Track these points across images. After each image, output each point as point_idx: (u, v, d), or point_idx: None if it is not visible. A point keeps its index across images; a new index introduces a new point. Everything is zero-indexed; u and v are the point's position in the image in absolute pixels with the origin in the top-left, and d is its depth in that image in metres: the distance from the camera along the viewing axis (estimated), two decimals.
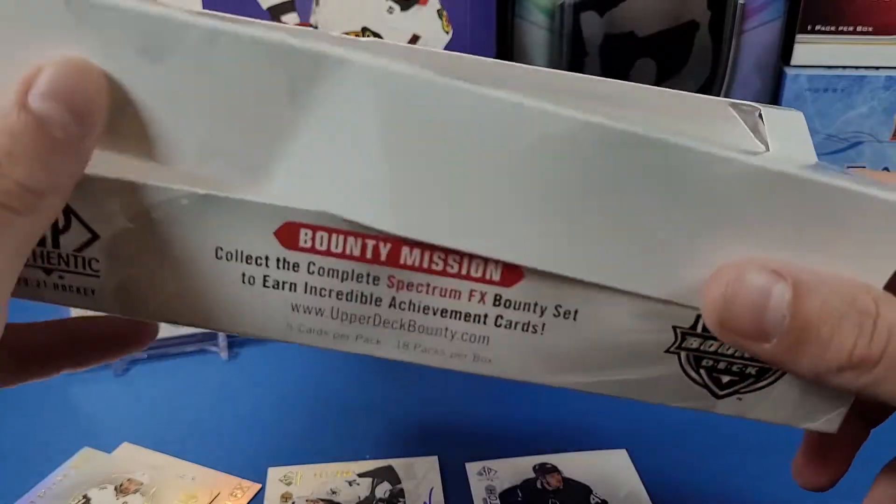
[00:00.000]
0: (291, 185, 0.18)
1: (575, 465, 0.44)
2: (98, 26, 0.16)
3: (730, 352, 0.20)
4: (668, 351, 0.20)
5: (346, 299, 0.19)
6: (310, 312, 0.20)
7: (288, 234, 0.18)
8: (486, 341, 0.20)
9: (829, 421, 0.21)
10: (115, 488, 0.42)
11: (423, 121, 0.17)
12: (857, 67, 0.58)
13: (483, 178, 0.17)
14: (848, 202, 0.17)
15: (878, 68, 0.58)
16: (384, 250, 0.18)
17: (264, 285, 0.19)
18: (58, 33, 0.16)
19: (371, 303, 0.19)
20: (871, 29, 0.57)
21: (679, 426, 0.48)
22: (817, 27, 0.57)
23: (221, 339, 0.54)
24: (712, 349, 0.20)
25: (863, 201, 0.17)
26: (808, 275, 0.17)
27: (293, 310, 0.20)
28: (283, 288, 0.19)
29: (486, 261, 0.18)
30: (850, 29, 0.57)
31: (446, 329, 0.20)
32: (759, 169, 0.17)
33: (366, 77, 0.17)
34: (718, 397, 0.21)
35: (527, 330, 0.19)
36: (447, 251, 0.18)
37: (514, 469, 0.44)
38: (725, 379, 0.20)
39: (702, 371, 0.20)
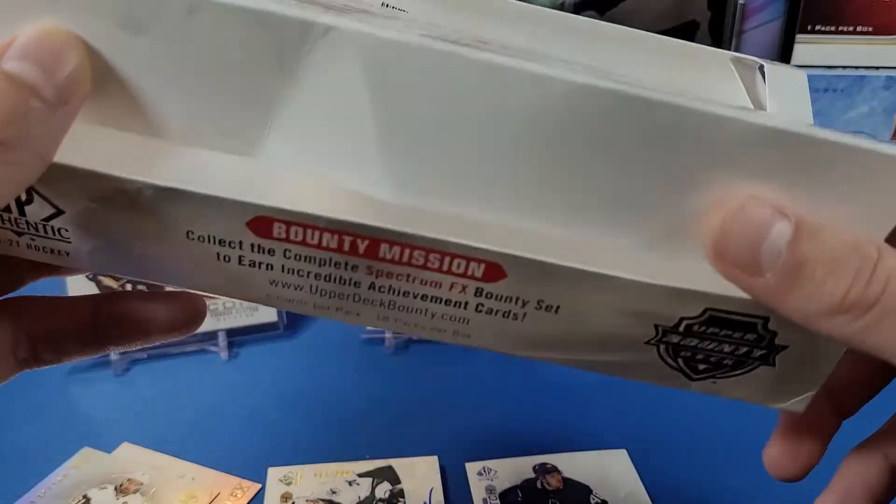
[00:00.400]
0: (282, 152, 0.18)
1: (575, 465, 0.44)
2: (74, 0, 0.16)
3: (710, 347, 0.20)
4: (647, 342, 0.20)
5: (325, 280, 0.19)
6: (288, 287, 0.19)
7: (261, 226, 0.18)
8: (466, 322, 0.20)
9: (797, 402, 0.21)
10: (115, 488, 0.42)
11: (413, 87, 0.17)
12: (857, 67, 0.58)
13: (475, 142, 0.17)
14: (848, 157, 0.17)
15: (878, 68, 0.58)
16: (362, 245, 0.18)
17: (240, 264, 0.19)
18: (32, 8, 0.16)
19: (350, 285, 0.19)
20: (871, 29, 0.57)
21: (679, 426, 0.48)
22: (817, 27, 0.57)
23: (221, 339, 0.54)
24: (692, 344, 0.20)
25: (862, 156, 0.17)
26: (811, 218, 0.17)
27: (272, 284, 0.19)
28: (259, 267, 0.19)
29: (468, 260, 0.18)
30: (850, 29, 0.57)
31: (426, 310, 0.20)
32: (758, 126, 0.17)
33: (354, 44, 0.16)
34: (693, 380, 0.21)
35: (507, 317, 0.19)
36: (428, 250, 0.18)
37: (514, 469, 0.44)
38: (702, 367, 0.20)
39: (679, 360, 0.20)
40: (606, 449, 0.46)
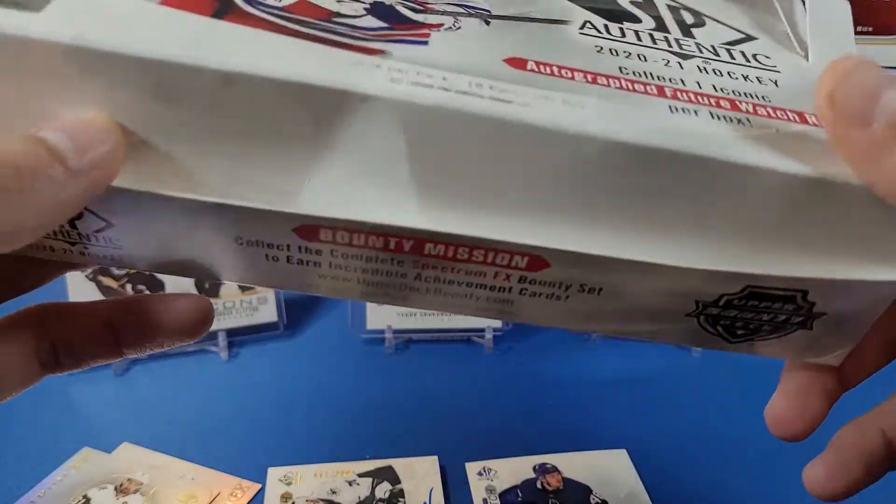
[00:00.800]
0: (319, 206, 0.18)
1: (575, 465, 0.44)
2: (105, 74, 0.16)
3: (749, 317, 0.20)
4: (687, 315, 0.20)
5: (372, 273, 0.20)
6: (337, 279, 0.20)
7: (307, 232, 0.18)
8: (511, 303, 0.20)
9: (832, 357, 0.21)
10: (115, 488, 0.42)
11: (451, 147, 0.17)
12: None
13: (514, 193, 0.18)
14: (876, 203, 0.17)
15: None
16: (407, 245, 0.18)
17: (288, 263, 0.19)
18: (63, 84, 0.16)
19: (396, 276, 0.20)
20: (871, 29, 0.57)
21: (679, 426, 0.49)
22: None
23: (221, 339, 0.54)
24: (731, 315, 0.20)
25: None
26: None
27: (319, 277, 0.20)
28: (307, 265, 0.19)
29: (511, 254, 0.18)
30: None
31: (471, 294, 0.20)
32: (788, 176, 0.17)
33: (391, 111, 0.17)
34: (731, 343, 0.21)
35: (550, 298, 0.20)
36: (472, 247, 0.18)
37: (514, 469, 0.44)
38: (740, 332, 0.21)
39: (718, 327, 0.21)
40: (606, 449, 0.46)
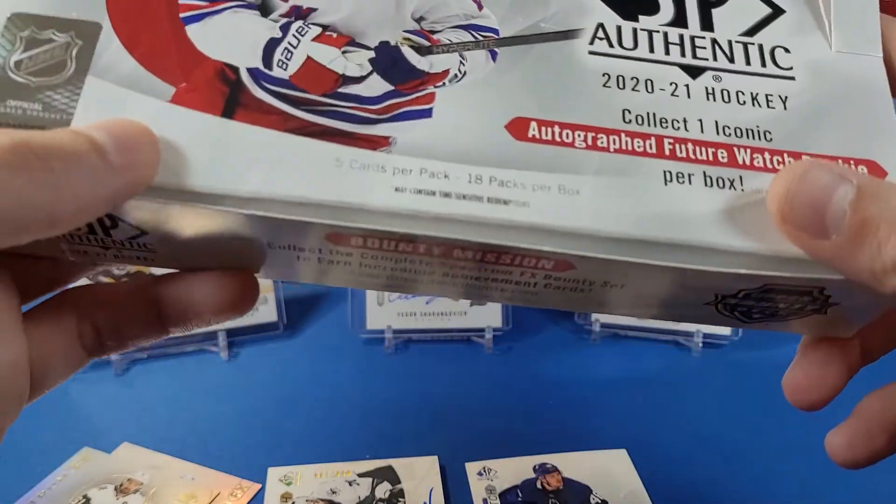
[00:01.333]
0: (348, 219, 0.20)
1: (575, 465, 0.44)
2: None
3: (765, 305, 0.20)
4: (706, 304, 0.21)
5: (401, 271, 0.20)
6: (366, 276, 0.21)
7: (338, 238, 0.19)
8: (535, 294, 0.21)
9: (846, 332, 0.22)
10: (115, 488, 0.42)
11: (455, 238, 0.19)
12: None
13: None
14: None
15: None
16: (436, 250, 0.19)
17: (319, 262, 0.20)
18: None
19: (424, 274, 0.20)
20: None
21: (679, 426, 0.49)
22: None
23: (221, 339, 0.54)
24: (749, 304, 0.20)
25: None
26: (873, 180, 0.17)
27: (350, 273, 0.21)
28: (337, 264, 0.20)
29: (538, 258, 0.19)
30: None
31: (497, 287, 0.21)
32: (768, 258, 0.18)
33: (398, 220, 0.18)
34: (746, 323, 0.22)
35: (574, 291, 0.21)
36: (499, 252, 0.19)
37: (514, 469, 0.44)
38: (756, 316, 0.21)
39: (736, 312, 0.21)
40: (606, 449, 0.46)
